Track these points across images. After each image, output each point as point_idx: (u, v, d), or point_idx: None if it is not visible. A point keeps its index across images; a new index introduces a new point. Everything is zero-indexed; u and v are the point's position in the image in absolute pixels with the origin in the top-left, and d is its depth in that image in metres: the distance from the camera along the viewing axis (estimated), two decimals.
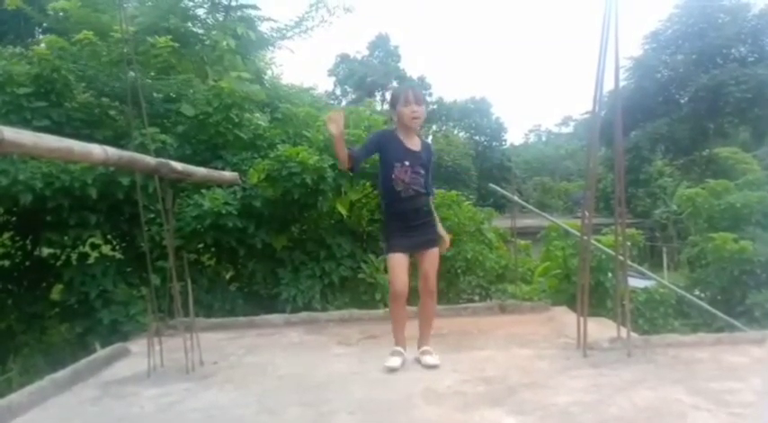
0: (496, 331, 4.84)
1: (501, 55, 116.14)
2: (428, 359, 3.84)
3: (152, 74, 7.44)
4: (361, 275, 6.89)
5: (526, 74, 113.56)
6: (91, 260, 6.68)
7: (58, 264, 6.81)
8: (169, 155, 6.04)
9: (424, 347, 3.93)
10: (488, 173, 38.35)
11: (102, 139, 6.15)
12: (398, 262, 3.83)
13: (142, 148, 4.99)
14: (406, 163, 3.83)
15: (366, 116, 7.98)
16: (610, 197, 19.52)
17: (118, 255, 7.04)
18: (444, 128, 45.26)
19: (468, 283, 7.55)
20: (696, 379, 3.36)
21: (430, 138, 39.71)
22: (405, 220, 3.87)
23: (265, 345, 4.76)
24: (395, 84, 47.41)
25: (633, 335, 4.10)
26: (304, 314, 5.73)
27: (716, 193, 10.60)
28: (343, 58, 48.27)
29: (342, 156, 3.77)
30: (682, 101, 29.73)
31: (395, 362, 3.76)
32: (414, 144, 3.92)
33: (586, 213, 4.31)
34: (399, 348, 3.87)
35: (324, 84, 47.54)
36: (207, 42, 8.61)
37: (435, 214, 4.11)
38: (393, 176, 3.81)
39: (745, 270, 8.77)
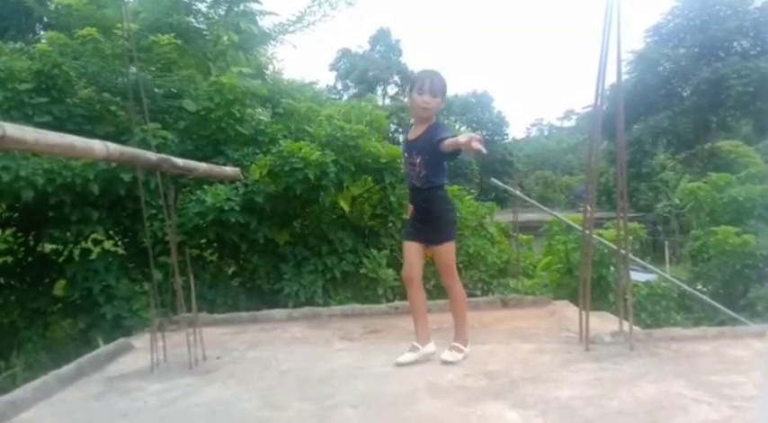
0: (498, 325, 4.84)
1: (503, 49, 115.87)
2: (444, 354, 3.76)
3: (153, 70, 7.44)
4: (363, 270, 6.89)
5: (528, 68, 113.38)
6: (93, 256, 6.69)
7: (61, 260, 6.82)
8: (171, 151, 6.04)
9: (452, 343, 3.88)
10: (490, 167, 38.22)
11: (104, 134, 6.16)
12: (407, 248, 3.92)
13: (144, 144, 4.99)
14: (405, 155, 3.89)
15: (368, 111, 7.98)
16: (612, 191, 19.43)
17: (120, 250, 7.06)
18: (446, 122, 45.20)
19: (470, 278, 7.55)
20: (698, 373, 3.36)
21: None
22: (414, 209, 3.97)
23: (268, 340, 4.76)
24: (396, 78, 47.38)
25: (635, 329, 4.10)
26: (306, 309, 5.74)
27: (718, 187, 10.56)
28: (345, 53, 48.19)
29: None
30: (684, 94, 29.64)
31: (405, 358, 3.69)
32: (416, 133, 3.82)
33: (588, 207, 4.30)
34: (416, 343, 3.78)
35: (325, 78, 47.48)
36: (209, 37, 8.61)
37: (446, 214, 3.91)
38: (403, 169, 3.92)
39: (748, 264, 8.75)
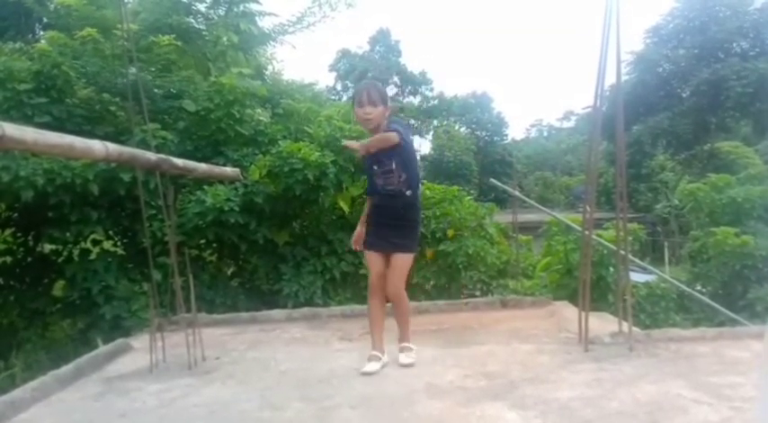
0: (498, 326, 4.84)
1: (502, 50, 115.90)
2: (401, 358, 3.79)
3: (153, 70, 7.44)
4: (362, 271, 6.89)
5: (527, 69, 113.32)
6: (93, 256, 6.70)
7: (60, 260, 6.83)
8: (170, 151, 6.05)
9: (402, 344, 3.90)
10: (490, 168, 38.21)
11: (104, 135, 6.16)
12: (372, 259, 3.88)
13: (143, 145, 4.99)
14: (375, 167, 3.81)
15: None
16: (611, 192, 19.44)
17: (119, 251, 7.07)
18: (445, 123, 45.19)
19: (469, 279, 7.55)
20: (697, 373, 3.36)
21: (431, 133, 39.61)
22: (380, 216, 3.89)
23: (267, 340, 4.77)
24: (396, 79, 47.35)
25: (635, 329, 4.10)
26: (305, 309, 5.74)
27: (717, 188, 10.57)
28: (344, 54, 48.14)
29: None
30: (683, 95, 29.63)
31: (371, 367, 3.66)
32: None
33: (588, 208, 4.30)
34: (375, 352, 3.77)
35: (325, 79, 47.43)
36: (208, 38, 8.62)
37: (417, 225, 3.98)
38: (373, 181, 3.87)
39: (747, 264, 8.76)
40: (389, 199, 3.81)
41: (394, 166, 3.73)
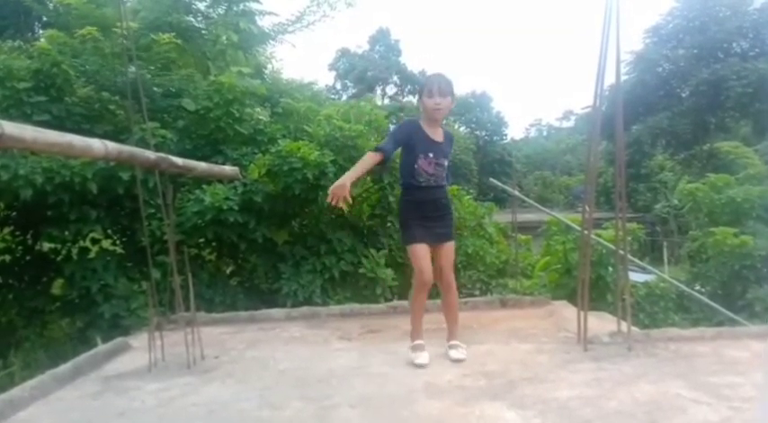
0: (497, 326, 4.84)
1: (502, 49, 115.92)
2: (453, 353, 3.84)
3: (153, 69, 7.44)
4: (361, 270, 6.89)
5: (527, 68, 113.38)
6: (91, 255, 6.70)
7: (59, 258, 6.82)
8: (169, 150, 6.04)
9: (452, 342, 3.95)
10: (489, 167, 38.23)
11: (103, 133, 6.17)
12: (422, 253, 3.86)
13: (142, 143, 4.98)
14: (431, 155, 3.85)
15: (367, 111, 7.98)
16: (610, 191, 19.47)
17: (118, 249, 7.06)
18: (445, 122, 45.17)
19: (468, 278, 7.56)
20: (697, 373, 3.36)
21: None
22: (422, 210, 3.91)
23: (266, 339, 4.76)
24: (395, 78, 47.36)
25: (634, 329, 4.10)
26: (305, 309, 5.73)
27: (717, 188, 10.58)
28: (344, 53, 48.16)
29: (364, 169, 3.91)
30: (683, 95, 29.67)
31: (423, 358, 3.73)
32: (437, 135, 3.94)
33: (587, 208, 4.30)
34: (421, 341, 3.85)
35: (324, 78, 47.50)
36: (208, 37, 8.63)
37: (452, 207, 4.21)
38: (416, 166, 3.84)
39: (746, 264, 8.78)
40: (434, 191, 3.92)
41: (446, 162, 3.94)
